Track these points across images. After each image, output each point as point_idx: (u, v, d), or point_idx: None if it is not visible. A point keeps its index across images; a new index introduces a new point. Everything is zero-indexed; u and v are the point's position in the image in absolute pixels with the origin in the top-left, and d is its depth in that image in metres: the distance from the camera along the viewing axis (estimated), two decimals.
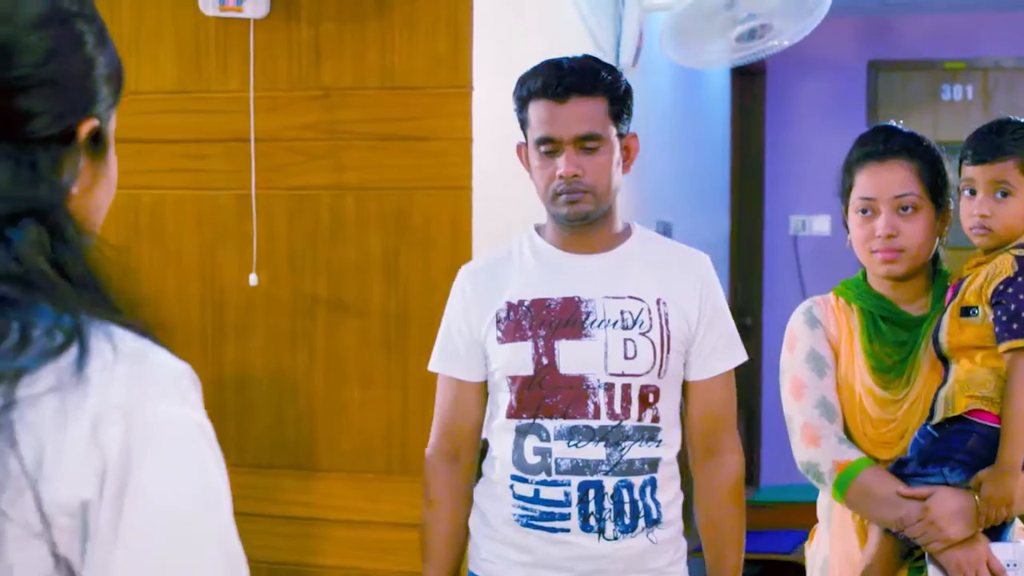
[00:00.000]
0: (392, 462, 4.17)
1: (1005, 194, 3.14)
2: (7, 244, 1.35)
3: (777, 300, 8.91)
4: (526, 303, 3.23)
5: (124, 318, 1.42)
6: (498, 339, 3.24)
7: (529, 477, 3.21)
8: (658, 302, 3.22)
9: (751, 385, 8.43)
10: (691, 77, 7.13)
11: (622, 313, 3.20)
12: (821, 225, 9.02)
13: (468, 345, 3.30)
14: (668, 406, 3.24)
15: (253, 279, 4.21)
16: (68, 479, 1.29)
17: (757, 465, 8.57)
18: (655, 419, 3.20)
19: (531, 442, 3.21)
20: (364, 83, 4.17)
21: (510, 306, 3.25)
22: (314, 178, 4.23)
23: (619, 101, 3.21)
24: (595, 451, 3.16)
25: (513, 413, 3.22)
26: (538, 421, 3.19)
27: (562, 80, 3.16)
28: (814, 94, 9.26)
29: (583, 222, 3.22)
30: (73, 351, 1.32)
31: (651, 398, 3.20)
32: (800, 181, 9.09)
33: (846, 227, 3.37)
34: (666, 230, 6.29)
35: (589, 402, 3.16)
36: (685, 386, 3.31)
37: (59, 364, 1.32)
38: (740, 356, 3.35)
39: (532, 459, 3.21)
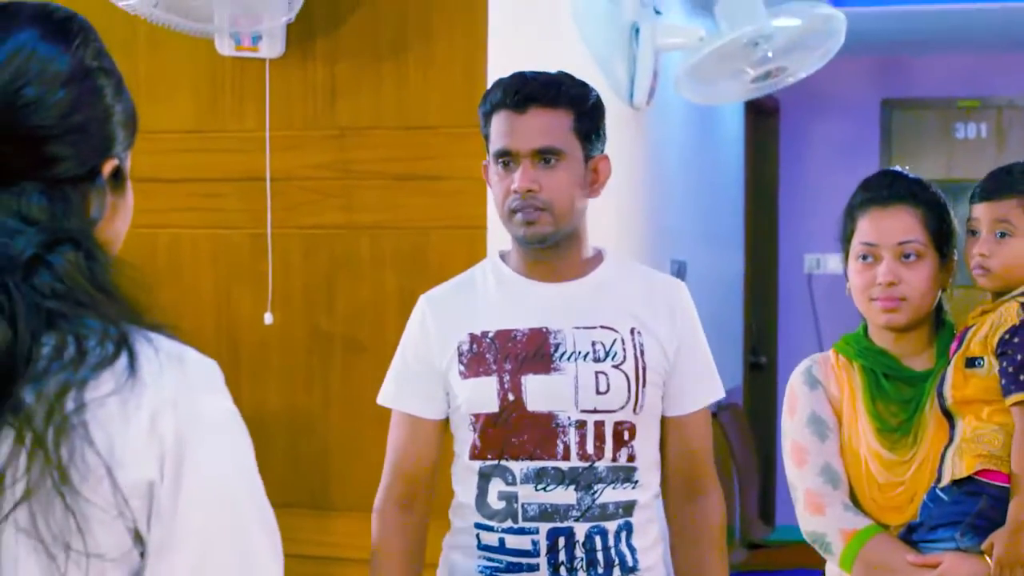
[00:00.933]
0: None
1: (1004, 234, 3.06)
2: (50, 267, 1.56)
3: (792, 338, 8.91)
4: (490, 334, 2.99)
5: (153, 323, 1.65)
6: (461, 373, 2.99)
7: (494, 524, 2.96)
8: (632, 332, 2.99)
9: (766, 422, 8.40)
10: (705, 116, 7.14)
11: (593, 344, 2.96)
12: (835, 264, 8.99)
13: (426, 378, 3.05)
14: (645, 444, 3.01)
15: (268, 318, 4.22)
16: (135, 465, 1.53)
17: (772, 503, 8.55)
18: (631, 458, 2.97)
19: (496, 486, 2.96)
20: (379, 122, 4.18)
21: (473, 338, 3.00)
22: (329, 217, 4.24)
23: (586, 117, 2.99)
24: (565, 495, 2.92)
25: (477, 454, 2.98)
26: (503, 463, 2.95)
27: (521, 89, 2.96)
28: (828, 132, 9.28)
29: (541, 245, 2.98)
30: (124, 357, 1.55)
31: (626, 435, 2.96)
32: (814, 219, 9.07)
33: (846, 275, 3.23)
34: (680, 268, 6.29)
35: (559, 442, 2.92)
36: (662, 422, 3.07)
37: (115, 369, 1.54)
38: (718, 390, 3.14)
39: (496, 504, 2.96)
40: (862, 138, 9.24)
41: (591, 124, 3.01)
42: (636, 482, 2.99)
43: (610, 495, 2.95)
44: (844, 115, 9.23)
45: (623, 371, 2.97)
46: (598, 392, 2.95)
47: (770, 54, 5.23)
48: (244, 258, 4.32)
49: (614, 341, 2.98)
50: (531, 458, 2.93)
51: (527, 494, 2.93)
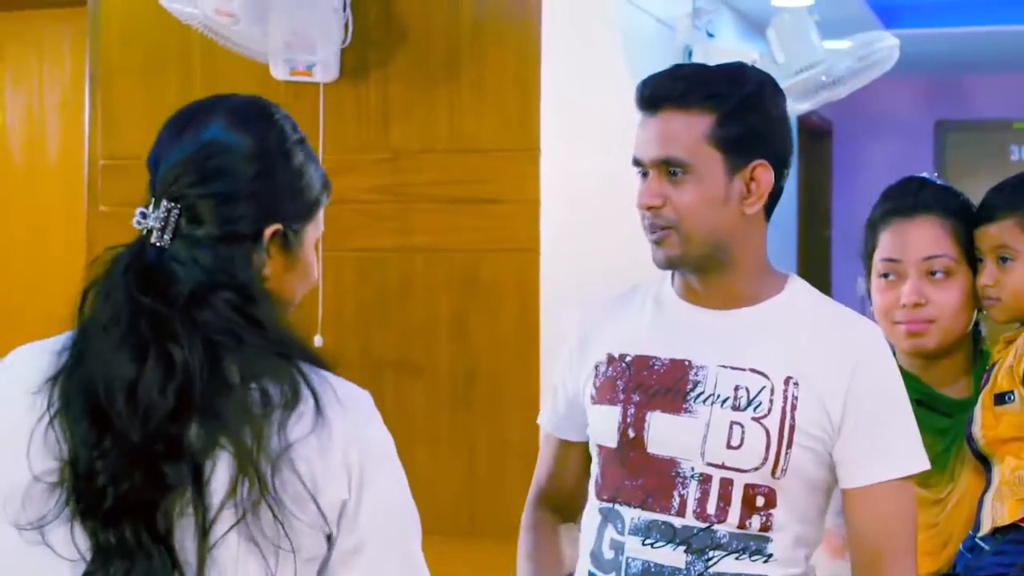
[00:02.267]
0: (460, 524, 4.16)
1: (1006, 259, 2.71)
2: (209, 305, 1.87)
3: None
4: (628, 358, 2.58)
5: (308, 356, 1.92)
6: (591, 397, 2.62)
7: None
8: (787, 381, 2.48)
9: None
10: None
11: (736, 389, 2.49)
12: None
13: (570, 399, 2.71)
14: (790, 515, 2.48)
15: (318, 340, 4.23)
16: (333, 490, 1.88)
17: None
18: (765, 528, 2.47)
19: (609, 532, 2.57)
20: (432, 146, 4.19)
21: (610, 359, 2.60)
22: (382, 240, 4.25)
23: (732, 119, 2.48)
24: (673, 556, 2.49)
25: (598, 491, 2.60)
26: (616, 507, 2.55)
27: (652, 86, 2.52)
28: (881, 154, 9.25)
29: (674, 269, 2.58)
30: (310, 399, 1.87)
31: (760, 501, 2.47)
32: None
33: (868, 295, 2.92)
34: None
35: (675, 494, 2.49)
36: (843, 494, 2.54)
37: (305, 410, 1.86)
38: (907, 465, 2.51)
39: (607, 553, 2.57)
40: (916, 160, 9.20)
41: (739, 128, 2.49)
42: (770, 556, 2.49)
43: (730, 566, 2.48)
44: (898, 137, 9.20)
45: (763, 425, 2.47)
46: (729, 445, 2.48)
47: (824, 78, 5.22)
48: None
49: (761, 389, 2.49)
50: (643, 507, 2.52)
51: (633, 547, 2.53)
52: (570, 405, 2.70)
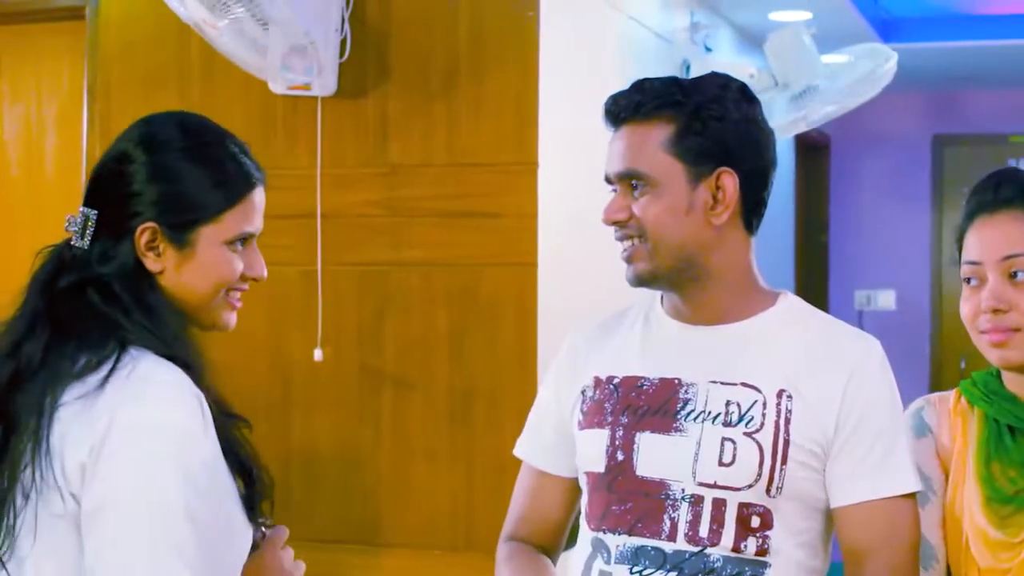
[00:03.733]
0: (457, 538, 4.16)
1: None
2: (80, 298, 2.13)
3: None
4: (616, 380, 2.48)
5: (170, 351, 2.11)
6: (579, 423, 2.51)
7: None
8: (780, 394, 2.37)
9: None
10: None
11: (727, 405, 2.38)
12: (887, 300, 8.97)
13: (557, 427, 2.58)
14: (787, 537, 2.36)
15: (318, 354, 4.23)
16: (76, 452, 2.01)
17: None
18: (762, 552, 2.34)
19: (597, 564, 2.43)
20: (431, 160, 4.20)
21: (597, 382, 2.51)
22: (380, 254, 4.25)
23: (693, 128, 2.41)
24: None
25: (587, 521, 2.48)
26: (602, 535, 2.43)
27: (619, 102, 2.49)
28: (879, 168, 9.25)
29: (648, 287, 2.49)
30: (104, 371, 2.04)
31: (755, 522, 2.34)
32: (865, 255, 9.06)
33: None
34: None
35: (665, 517, 2.36)
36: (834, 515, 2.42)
37: (92, 379, 2.05)
38: (899, 484, 2.37)
39: None
40: (913, 174, 9.21)
41: (700, 136, 2.41)
42: None
43: None
44: (895, 151, 9.21)
45: (756, 441, 2.36)
46: (721, 463, 2.36)
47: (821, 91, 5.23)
48: (295, 295, 4.33)
49: (753, 403, 2.38)
50: (630, 533, 2.39)
51: None
52: (556, 433, 2.58)
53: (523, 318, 4.09)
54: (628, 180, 2.43)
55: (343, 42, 4.20)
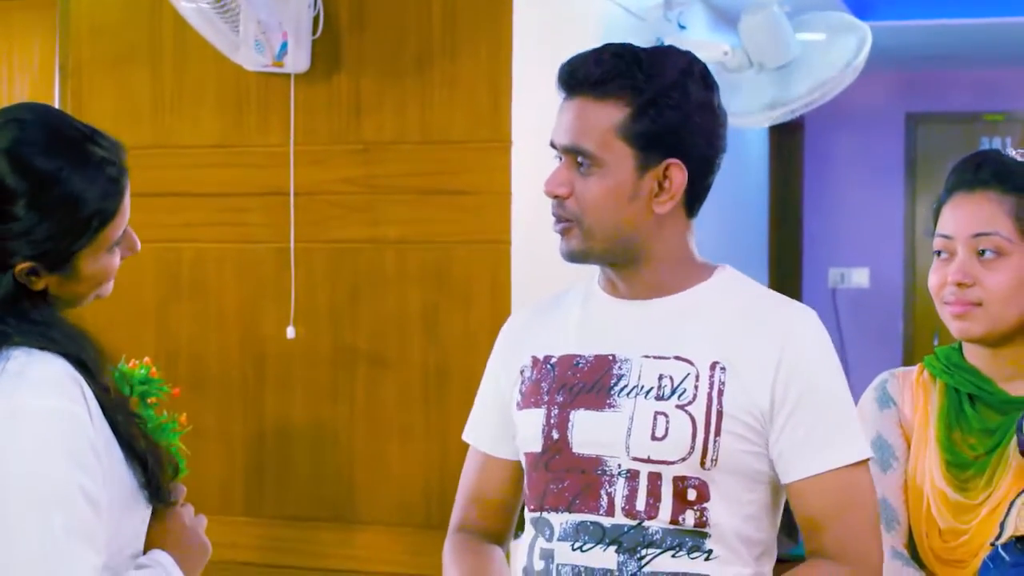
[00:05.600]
0: (432, 515, 4.17)
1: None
2: None
3: None
4: (553, 360, 2.45)
5: (60, 349, 2.07)
6: (517, 404, 2.49)
7: None
8: (713, 366, 2.34)
9: None
10: (729, 131, 7.13)
11: (660, 378, 2.36)
12: (860, 277, 8.98)
13: (499, 410, 2.56)
14: (728, 510, 2.34)
15: (290, 332, 4.23)
16: None
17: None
18: (700, 524, 2.33)
19: (539, 543, 2.42)
20: (404, 137, 4.19)
21: (535, 362, 2.48)
22: (353, 232, 4.25)
23: (647, 113, 2.34)
24: (603, 558, 2.34)
25: (528, 501, 2.47)
26: (544, 515, 2.41)
27: (575, 70, 2.38)
28: (852, 147, 9.27)
29: (580, 263, 2.44)
30: None
31: (691, 495, 2.32)
32: (838, 233, 9.08)
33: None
34: None
35: (602, 492, 2.35)
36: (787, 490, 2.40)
37: None
38: (851, 452, 2.35)
39: (538, 565, 2.42)
40: (887, 152, 9.22)
41: (654, 124, 2.34)
42: (709, 553, 2.34)
43: (665, 564, 2.33)
44: (869, 130, 9.22)
45: (688, 413, 2.33)
46: (654, 437, 2.33)
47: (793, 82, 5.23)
48: (268, 272, 4.33)
49: (686, 376, 2.35)
50: (569, 510, 2.38)
51: (562, 553, 2.38)
52: (499, 416, 2.55)
53: (497, 296, 4.09)
54: (574, 156, 2.36)
55: (316, 19, 4.19)
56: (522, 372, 2.50)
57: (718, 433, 2.32)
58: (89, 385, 2.10)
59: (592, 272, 2.50)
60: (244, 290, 4.36)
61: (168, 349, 4.37)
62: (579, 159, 2.35)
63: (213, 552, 2.33)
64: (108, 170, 2.14)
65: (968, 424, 2.52)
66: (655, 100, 2.33)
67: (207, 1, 3.94)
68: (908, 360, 8.60)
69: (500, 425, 2.55)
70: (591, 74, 2.35)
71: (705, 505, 2.32)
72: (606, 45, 2.40)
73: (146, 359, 3.73)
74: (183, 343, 4.42)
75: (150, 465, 2.18)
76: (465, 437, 2.65)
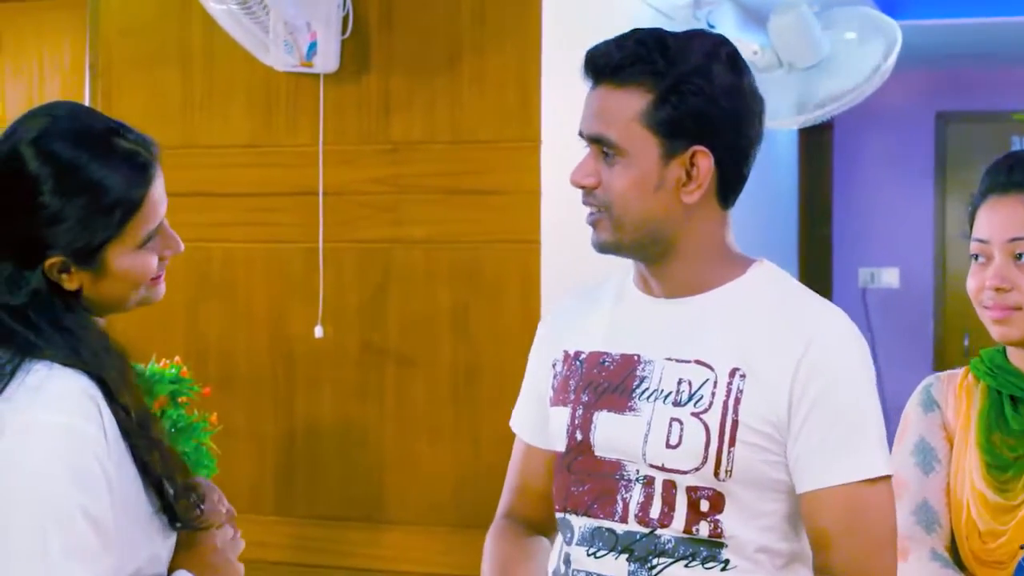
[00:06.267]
0: (463, 514, 4.16)
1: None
2: None
3: None
4: (582, 356, 2.39)
5: (85, 366, 2.06)
6: (550, 399, 2.44)
7: None
8: (732, 372, 2.24)
9: None
10: None
11: (679, 383, 2.27)
12: (890, 277, 8.95)
13: (537, 400, 2.50)
14: (744, 521, 2.25)
15: (319, 331, 4.23)
16: None
17: None
18: (715, 534, 2.24)
19: (563, 545, 2.38)
20: (433, 137, 4.19)
21: (566, 357, 2.43)
22: (383, 231, 4.25)
23: (671, 100, 2.24)
24: (615, 565, 2.28)
25: (555, 500, 2.41)
26: (567, 516, 2.36)
27: (598, 57, 2.28)
28: (882, 146, 9.24)
29: (612, 254, 2.36)
30: (2, 382, 2.03)
31: (704, 505, 2.24)
32: (868, 233, 9.05)
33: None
34: None
35: (618, 498, 2.29)
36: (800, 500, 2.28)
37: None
38: (870, 466, 2.21)
39: (560, 568, 2.37)
40: (916, 152, 9.19)
41: (677, 110, 2.24)
42: (726, 563, 2.25)
43: (678, 574, 2.25)
44: (898, 129, 9.19)
45: (703, 421, 2.24)
46: (668, 444, 2.25)
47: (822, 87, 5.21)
48: (297, 272, 4.33)
49: (704, 382, 2.26)
50: (587, 514, 2.33)
51: (578, 558, 2.34)
52: (538, 405, 2.49)
53: (526, 295, 4.08)
54: (600, 145, 2.27)
55: (345, 19, 4.19)
56: (554, 366, 2.44)
57: (732, 443, 2.22)
58: (108, 405, 2.07)
59: (627, 267, 2.42)
60: (273, 290, 4.36)
61: (198, 349, 4.38)
62: (604, 149, 2.27)
63: (243, 551, 2.33)
64: (134, 160, 2.12)
65: (1008, 426, 2.49)
66: (677, 85, 2.23)
67: (236, 2, 3.94)
68: (939, 360, 8.56)
69: (538, 414, 2.48)
70: (612, 61, 2.26)
71: (719, 517, 2.24)
72: (633, 30, 2.30)
73: (176, 359, 3.77)
74: (212, 343, 4.42)
75: (166, 490, 2.14)
76: (511, 423, 2.60)
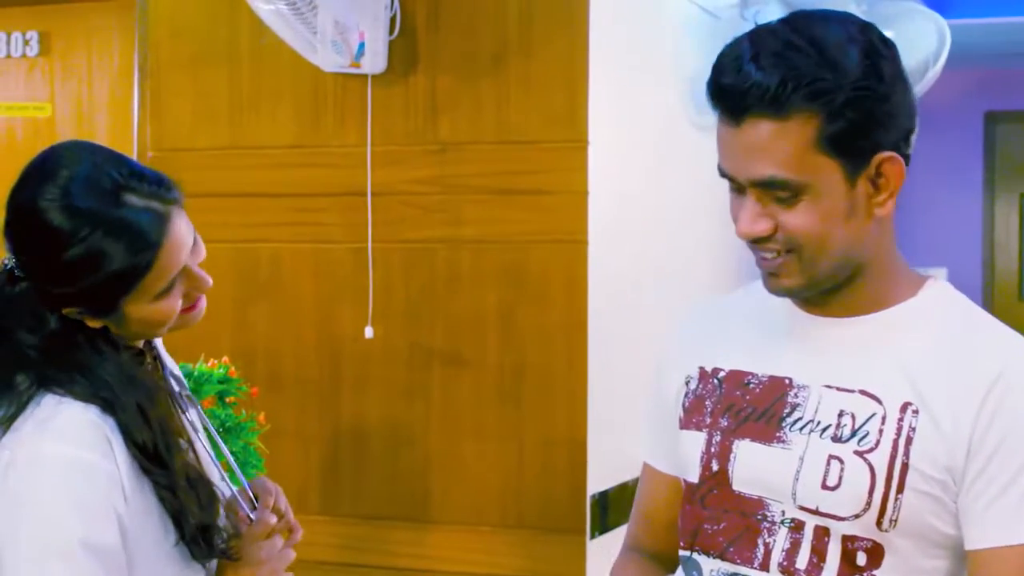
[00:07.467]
0: (507, 515, 4.16)
1: None
2: (16, 346, 2.11)
3: None
4: (721, 374, 2.15)
5: (93, 399, 2.06)
6: (680, 420, 2.19)
7: None
8: (904, 408, 1.96)
9: None
10: None
11: (840, 415, 2.00)
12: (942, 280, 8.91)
13: (661, 418, 2.26)
14: None
15: (369, 332, 4.24)
16: None
17: None
18: None
19: None
20: (480, 137, 4.19)
21: (702, 374, 2.18)
22: (430, 232, 4.25)
23: (844, 114, 1.92)
24: None
25: (680, 534, 2.18)
26: (694, 555, 2.12)
27: (738, 88, 1.93)
28: (930, 146, 9.16)
29: (793, 298, 2.10)
30: (11, 413, 2.04)
31: (862, 559, 1.97)
32: (916, 234, 9.01)
33: None
34: None
35: (760, 542, 2.03)
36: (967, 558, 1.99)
37: (9, 424, 2.04)
38: None
39: None
40: (965, 151, 9.14)
41: (854, 123, 1.94)
42: None
43: None
44: (946, 129, 9.14)
45: (868, 462, 1.96)
46: (824, 485, 1.98)
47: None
48: (345, 273, 4.33)
49: (871, 417, 1.98)
50: (722, 556, 2.07)
51: None
52: (661, 425, 2.26)
53: (573, 296, 4.08)
54: (768, 189, 1.97)
55: (392, 20, 4.19)
56: (687, 383, 2.20)
57: (900, 489, 1.95)
58: (123, 439, 2.07)
59: (751, 274, 2.16)
60: (321, 290, 4.37)
61: (245, 349, 4.39)
62: (777, 194, 1.96)
63: None
64: (144, 218, 2.08)
65: None
66: (851, 102, 1.93)
67: (284, 2, 3.95)
68: None
69: (662, 435, 2.26)
70: (767, 87, 1.92)
71: (875, 572, 1.98)
72: (755, 43, 1.97)
73: (224, 359, 3.78)
74: (260, 343, 4.43)
75: (184, 524, 2.13)
76: (640, 451, 2.38)
